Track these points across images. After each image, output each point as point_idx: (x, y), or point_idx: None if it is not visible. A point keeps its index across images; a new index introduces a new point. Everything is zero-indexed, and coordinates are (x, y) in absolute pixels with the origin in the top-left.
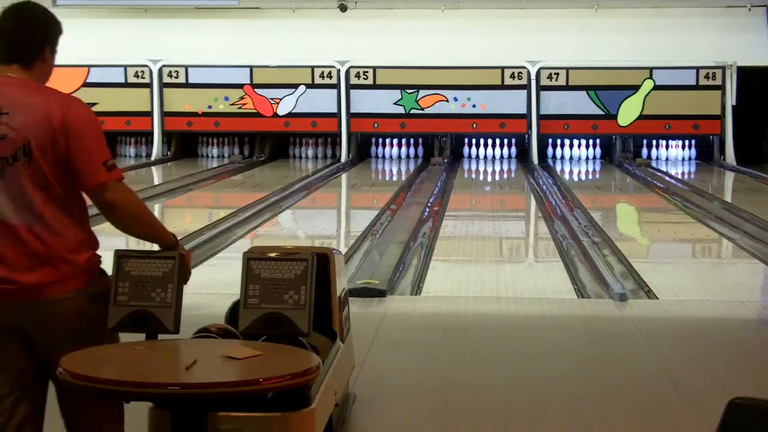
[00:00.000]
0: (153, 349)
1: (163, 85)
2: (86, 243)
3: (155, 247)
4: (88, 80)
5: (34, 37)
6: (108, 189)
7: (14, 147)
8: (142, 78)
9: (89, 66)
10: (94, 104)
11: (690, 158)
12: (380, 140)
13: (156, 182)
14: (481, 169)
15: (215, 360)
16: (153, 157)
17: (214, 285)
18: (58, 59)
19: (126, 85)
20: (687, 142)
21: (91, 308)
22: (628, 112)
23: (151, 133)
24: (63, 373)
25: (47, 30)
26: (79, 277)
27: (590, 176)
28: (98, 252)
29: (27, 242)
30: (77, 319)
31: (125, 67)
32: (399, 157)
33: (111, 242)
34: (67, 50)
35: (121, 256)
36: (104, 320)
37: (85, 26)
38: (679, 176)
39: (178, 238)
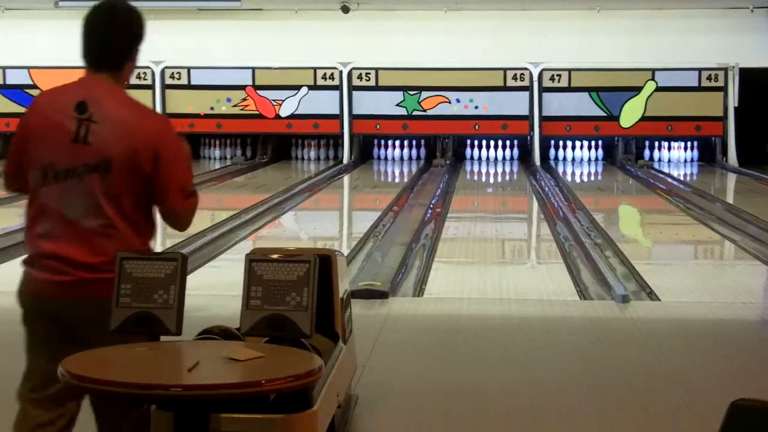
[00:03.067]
0: (155, 350)
1: (165, 87)
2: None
3: (157, 249)
4: None
5: (125, 41)
6: (179, 212)
7: (97, 158)
8: (145, 79)
9: None
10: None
11: (692, 160)
12: (382, 142)
13: None
14: (484, 170)
15: (218, 361)
16: None
17: (216, 286)
18: (61, 60)
19: (128, 86)
20: (689, 143)
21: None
22: (630, 114)
23: None
24: (65, 374)
25: (137, 30)
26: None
27: (592, 178)
28: None
29: (92, 246)
30: (101, 325)
31: None
32: (401, 158)
33: None
34: (70, 52)
35: (123, 257)
36: None
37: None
38: (681, 178)
39: (181, 239)
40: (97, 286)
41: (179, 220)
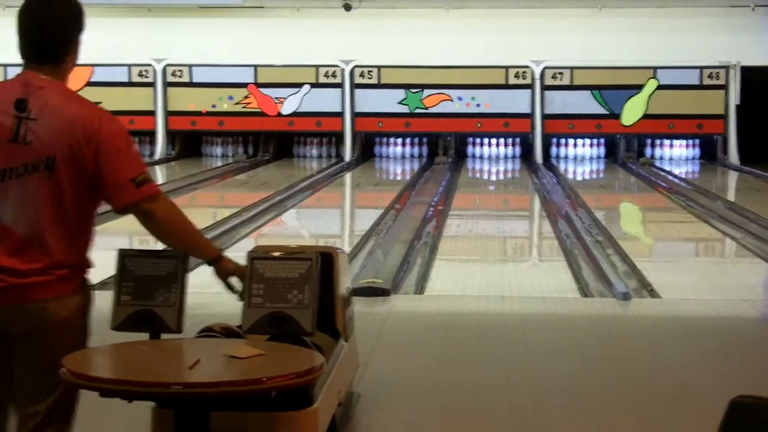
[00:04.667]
0: (156, 348)
1: (167, 84)
2: (77, 266)
3: (159, 246)
4: (91, 79)
5: (67, 32)
6: (139, 206)
7: (37, 157)
8: (146, 77)
9: (93, 65)
10: (98, 103)
11: (693, 158)
12: (384, 140)
13: (160, 181)
14: (485, 168)
15: (219, 359)
16: (157, 157)
17: (217, 284)
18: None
19: (130, 84)
20: (690, 141)
21: (73, 317)
22: (631, 112)
23: (155, 133)
24: (66, 372)
25: (78, 20)
26: (64, 286)
27: (594, 175)
28: (102, 252)
29: (24, 251)
30: (58, 326)
31: (129, 66)
32: (403, 156)
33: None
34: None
35: (124, 255)
36: (84, 329)
37: (89, 25)
38: (683, 175)
39: None
40: (25, 293)
41: (152, 218)
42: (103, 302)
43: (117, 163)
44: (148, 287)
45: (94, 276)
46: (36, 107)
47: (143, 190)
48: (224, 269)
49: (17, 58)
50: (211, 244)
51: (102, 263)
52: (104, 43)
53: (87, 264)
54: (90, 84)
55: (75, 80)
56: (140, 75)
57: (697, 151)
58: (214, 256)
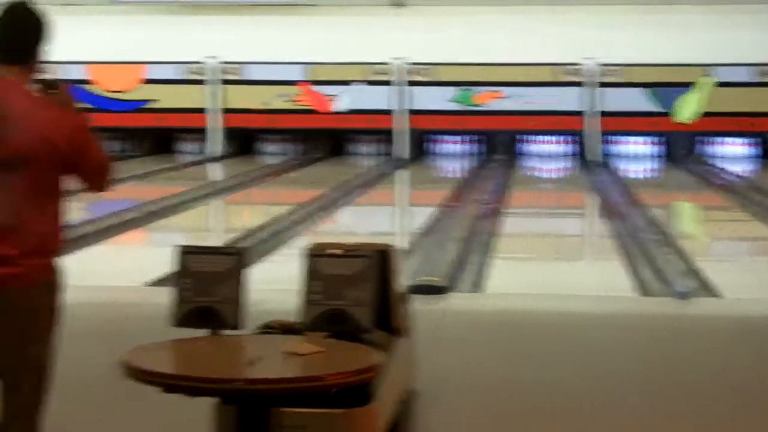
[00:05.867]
0: (217, 344)
1: (221, 82)
2: (49, 248)
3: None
4: (146, 77)
5: (34, 38)
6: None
7: (8, 153)
8: (200, 75)
9: (147, 63)
10: (153, 101)
11: (751, 155)
12: (437, 137)
13: (214, 179)
14: (540, 166)
15: (279, 356)
16: (211, 154)
17: (276, 281)
18: (116, 56)
19: (184, 81)
20: (746, 139)
21: (45, 299)
22: (687, 109)
23: (209, 130)
24: (128, 368)
25: (43, 29)
26: (37, 273)
27: (650, 173)
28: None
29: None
30: (31, 310)
31: (183, 63)
32: (456, 154)
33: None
34: (125, 47)
35: (184, 251)
36: (54, 310)
37: (142, 23)
38: (740, 173)
39: (238, 234)
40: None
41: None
42: (162, 299)
43: (90, 154)
44: (208, 283)
45: (153, 273)
46: (6, 109)
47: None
48: None
49: (71, 57)
50: None
51: (160, 260)
52: (158, 41)
53: (57, 248)
54: (145, 81)
55: (129, 78)
56: (193, 72)
57: (753, 149)
58: None
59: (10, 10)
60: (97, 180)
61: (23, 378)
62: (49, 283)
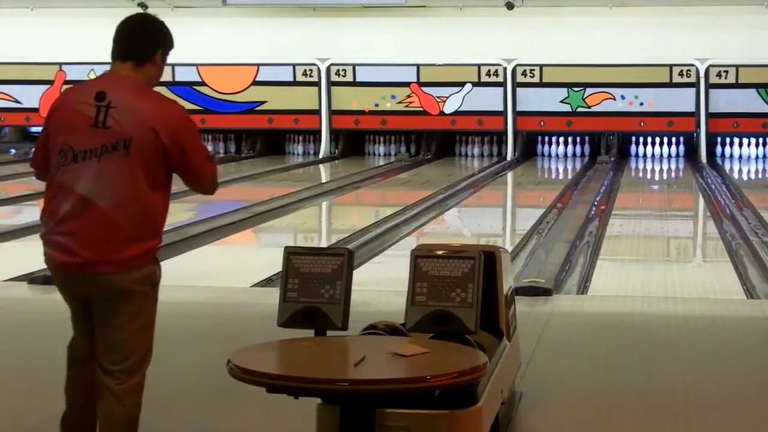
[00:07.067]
0: (322, 345)
1: (330, 84)
2: (147, 237)
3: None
4: (257, 79)
5: (149, 41)
6: (203, 185)
7: (116, 138)
8: (311, 76)
9: (258, 64)
10: (263, 102)
11: None
12: (546, 138)
13: (324, 180)
14: (649, 167)
15: (383, 357)
16: (321, 155)
17: (381, 282)
18: (229, 57)
19: (295, 83)
20: None
21: (137, 285)
22: None
23: (320, 131)
24: (234, 368)
25: (161, 37)
26: (130, 261)
27: (760, 175)
28: (267, 250)
29: (104, 225)
30: (123, 294)
31: (294, 65)
32: (565, 155)
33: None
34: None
35: (290, 252)
36: (145, 295)
37: (254, 25)
38: None
39: (347, 235)
40: (99, 264)
41: (202, 189)
42: (269, 299)
43: (195, 146)
44: (314, 284)
45: (260, 274)
46: (115, 98)
47: (210, 175)
48: None
49: (183, 58)
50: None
51: (267, 261)
52: (269, 43)
53: (157, 239)
54: (255, 83)
55: (241, 80)
56: (305, 74)
57: None
58: None
59: (131, 17)
60: (201, 181)
61: (115, 360)
62: (142, 270)
